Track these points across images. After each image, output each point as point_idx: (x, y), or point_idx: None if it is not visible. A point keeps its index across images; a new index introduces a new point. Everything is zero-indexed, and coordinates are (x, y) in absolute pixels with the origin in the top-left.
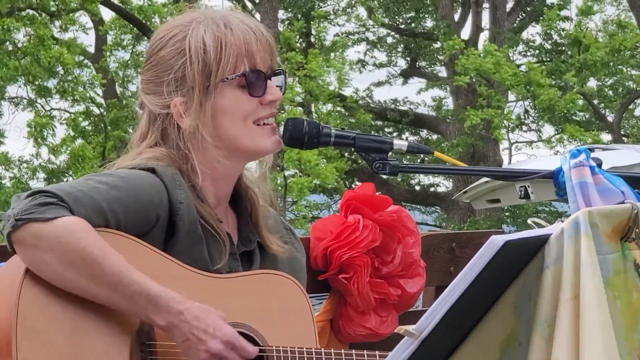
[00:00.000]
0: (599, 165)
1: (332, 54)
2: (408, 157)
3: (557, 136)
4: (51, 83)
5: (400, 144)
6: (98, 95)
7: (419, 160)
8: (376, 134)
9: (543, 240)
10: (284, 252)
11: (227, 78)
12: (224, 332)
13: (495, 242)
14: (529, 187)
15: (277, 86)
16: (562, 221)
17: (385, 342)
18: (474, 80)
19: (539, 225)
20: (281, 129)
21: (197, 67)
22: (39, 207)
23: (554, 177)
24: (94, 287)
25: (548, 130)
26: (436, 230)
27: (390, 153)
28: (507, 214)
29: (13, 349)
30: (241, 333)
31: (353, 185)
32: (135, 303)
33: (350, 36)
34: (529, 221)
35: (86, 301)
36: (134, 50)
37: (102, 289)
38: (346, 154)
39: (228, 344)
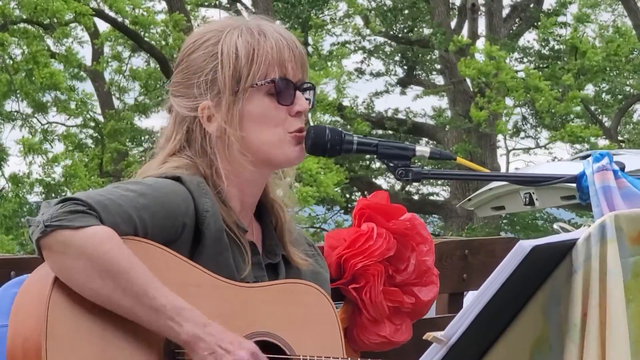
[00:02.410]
0: (622, 169)
1: (329, 63)
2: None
3: (557, 133)
4: (47, 96)
5: (422, 150)
6: (95, 112)
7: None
8: (398, 141)
9: (570, 244)
10: (307, 265)
11: (256, 84)
12: (248, 346)
13: (523, 247)
14: (533, 193)
15: (306, 99)
16: (589, 225)
17: (398, 351)
18: (471, 87)
19: (565, 230)
20: None
21: (227, 71)
22: (68, 214)
23: (577, 182)
24: (119, 297)
25: (545, 136)
26: (448, 238)
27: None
28: (505, 221)
29: (42, 357)
30: (268, 342)
31: (352, 197)
32: (159, 316)
33: (347, 45)
34: (555, 226)
35: None
36: (130, 59)
37: (127, 300)
38: (345, 164)
39: (254, 355)
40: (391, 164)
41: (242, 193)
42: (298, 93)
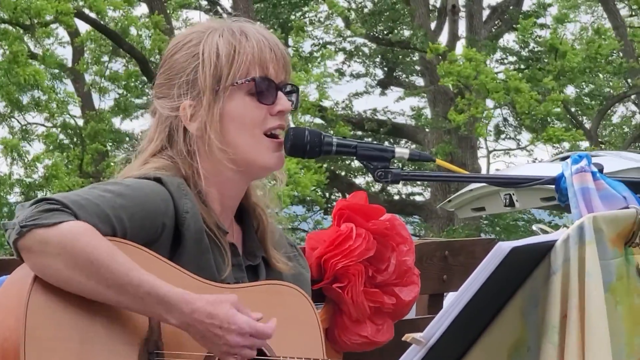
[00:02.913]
0: (601, 170)
1: (310, 65)
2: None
3: (537, 136)
4: (26, 98)
5: (402, 152)
6: (73, 116)
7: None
8: (378, 143)
9: (549, 246)
10: (289, 269)
11: (237, 82)
12: (238, 324)
13: (502, 248)
14: (513, 195)
15: (288, 100)
16: (567, 227)
17: (379, 351)
18: (451, 88)
19: (544, 232)
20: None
21: (208, 71)
22: (43, 213)
23: (556, 183)
24: (103, 289)
25: (526, 138)
26: (428, 239)
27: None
28: (485, 222)
29: (21, 357)
30: None
31: (332, 197)
32: (145, 304)
33: (328, 46)
34: (534, 227)
35: (94, 309)
36: (110, 62)
37: (111, 291)
38: (325, 165)
39: (245, 334)
40: (371, 166)
41: (222, 195)
42: (280, 93)
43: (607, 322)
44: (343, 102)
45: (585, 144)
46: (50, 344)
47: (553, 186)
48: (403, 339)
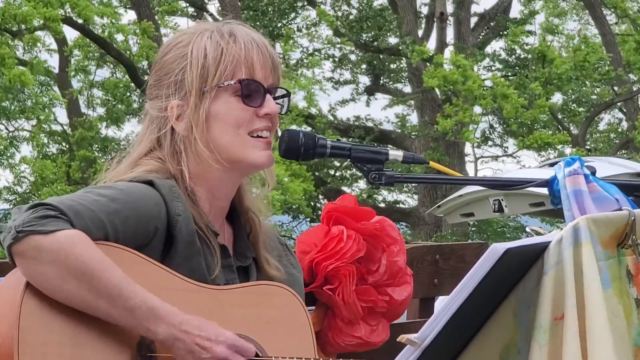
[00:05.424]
0: (593, 173)
1: (298, 73)
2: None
3: (526, 139)
4: (12, 104)
5: (395, 154)
6: (57, 122)
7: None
8: (371, 145)
9: (542, 247)
10: (281, 275)
11: (223, 84)
12: (226, 337)
13: (496, 250)
14: (502, 200)
15: (277, 104)
16: (561, 229)
17: (370, 354)
18: (439, 94)
19: (537, 233)
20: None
21: (195, 71)
22: (40, 219)
23: (549, 186)
24: (94, 300)
25: (512, 144)
26: (419, 243)
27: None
28: (473, 228)
29: None
30: None
31: (318, 204)
32: (134, 316)
33: (316, 53)
34: (528, 229)
35: (87, 314)
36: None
37: (102, 302)
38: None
39: (232, 347)
40: (364, 168)
41: (211, 195)
42: (268, 96)
43: (607, 322)
44: (329, 111)
45: (572, 150)
46: (43, 349)
47: (545, 189)
48: (398, 340)
